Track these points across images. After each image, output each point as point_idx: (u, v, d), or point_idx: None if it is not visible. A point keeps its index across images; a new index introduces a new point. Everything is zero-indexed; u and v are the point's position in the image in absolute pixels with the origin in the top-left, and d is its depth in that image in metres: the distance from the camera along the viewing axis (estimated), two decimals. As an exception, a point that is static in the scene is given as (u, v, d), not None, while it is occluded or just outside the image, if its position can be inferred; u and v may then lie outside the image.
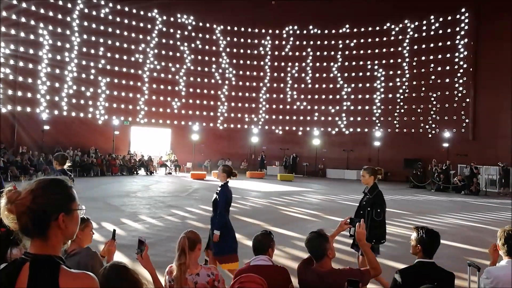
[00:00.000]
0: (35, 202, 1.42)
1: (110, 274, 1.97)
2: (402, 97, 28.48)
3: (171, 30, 29.07)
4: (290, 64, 31.20)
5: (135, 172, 24.91)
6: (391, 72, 28.85)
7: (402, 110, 28.39)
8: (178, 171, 26.95)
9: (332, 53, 30.39)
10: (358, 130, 29.46)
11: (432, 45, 27.39)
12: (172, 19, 29.11)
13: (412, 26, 28.32)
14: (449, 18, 26.87)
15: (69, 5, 24.76)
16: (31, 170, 19.40)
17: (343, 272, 2.99)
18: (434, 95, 27.21)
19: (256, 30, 30.97)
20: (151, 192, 16.28)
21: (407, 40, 28.50)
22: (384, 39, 28.96)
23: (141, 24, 27.87)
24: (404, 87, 28.49)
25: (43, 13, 23.47)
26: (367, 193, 5.40)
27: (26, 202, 1.42)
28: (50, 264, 1.41)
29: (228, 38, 30.69)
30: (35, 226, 1.43)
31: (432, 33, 27.59)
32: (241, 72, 31.01)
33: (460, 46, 26.64)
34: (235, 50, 30.83)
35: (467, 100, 25.90)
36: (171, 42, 29.04)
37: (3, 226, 1.52)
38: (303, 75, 31.10)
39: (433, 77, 27.40)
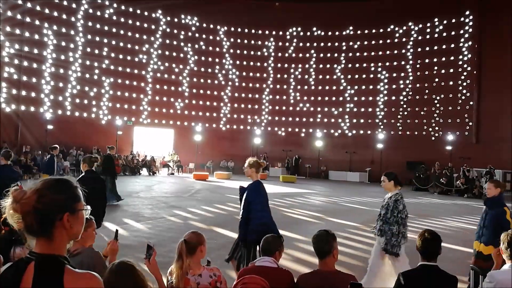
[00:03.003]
0: (40, 202, 1.43)
1: (118, 270, 2.06)
2: (405, 99, 28.44)
3: (175, 31, 29.14)
4: (293, 65, 31.20)
5: (137, 172, 24.95)
6: (394, 75, 28.81)
7: (406, 113, 28.34)
8: (181, 171, 26.97)
9: (336, 55, 30.37)
10: (361, 132, 29.40)
11: (435, 47, 27.35)
12: (176, 20, 29.18)
13: (416, 28, 28.28)
14: (453, 20, 26.82)
15: (74, 5, 24.88)
16: (34, 169, 19.48)
17: (346, 276, 2.99)
18: (438, 97, 27.15)
19: (260, 32, 31.00)
20: (154, 192, 16.30)
21: (410, 43, 28.46)
22: (388, 41, 28.93)
23: (145, 25, 27.95)
24: (407, 89, 28.44)
25: (47, 13, 23.60)
26: None
27: (31, 202, 1.43)
28: (55, 264, 1.42)
29: (232, 39, 30.74)
30: (40, 226, 1.43)
31: (436, 35, 27.56)
32: (244, 73, 31.04)
33: (464, 49, 26.59)
34: (238, 51, 30.87)
35: (471, 103, 25.83)
36: (174, 43, 29.11)
37: (7, 225, 1.53)
38: (306, 76, 31.09)
39: (436, 79, 27.34)
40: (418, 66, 28.12)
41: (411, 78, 28.40)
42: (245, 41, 30.99)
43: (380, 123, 29.11)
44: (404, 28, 28.57)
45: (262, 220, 5.15)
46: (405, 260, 5.08)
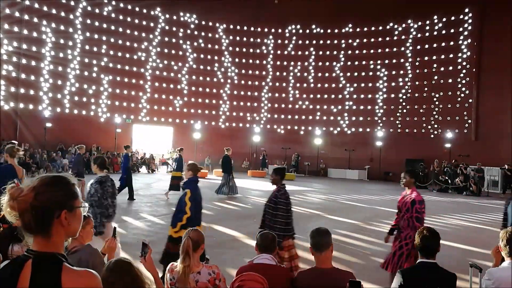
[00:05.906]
0: (37, 199, 1.42)
1: (115, 268, 2.06)
2: (404, 97, 28.42)
3: (174, 29, 29.08)
4: (292, 63, 31.17)
5: (136, 170, 24.92)
6: (393, 72, 28.78)
7: (405, 110, 28.33)
8: (180, 169, 26.92)
9: (335, 52, 30.33)
10: (360, 130, 29.41)
11: (435, 45, 27.31)
12: (174, 17, 29.13)
13: (415, 26, 28.24)
14: (453, 18, 26.78)
15: (72, 3, 24.81)
16: (33, 167, 19.43)
17: (345, 273, 2.98)
18: (437, 95, 27.13)
19: (259, 29, 30.95)
20: (153, 190, 16.29)
21: (410, 40, 28.43)
22: (387, 39, 28.89)
23: (144, 22, 27.89)
24: (406, 87, 28.42)
25: (46, 11, 23.53)
26: None
27: (28, 199, 1.42)
28: (53, 261, 1.41)
29: (231, 37, 30.69)
30: (37, 223, 1.42)
31: (435, 33, 27.51)
32: (243, 71, 31.00)
33: (463, 47, 26.55)
34: (237, 49, 30.83)
35: (470, 100, 25.82)
36: (173, 40, 29.05)
37: (6, 222, 1.52)
38: (305, 74, 31.06)
39: (436, 77, 27.33)
40: (417, 63, 28.09)
41: (410, 75, 28.37)
42: (244, 39, 30.93)
43: (379, 121, 29.10)
44: (404, 25, 28.53)
45: None
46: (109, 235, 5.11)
